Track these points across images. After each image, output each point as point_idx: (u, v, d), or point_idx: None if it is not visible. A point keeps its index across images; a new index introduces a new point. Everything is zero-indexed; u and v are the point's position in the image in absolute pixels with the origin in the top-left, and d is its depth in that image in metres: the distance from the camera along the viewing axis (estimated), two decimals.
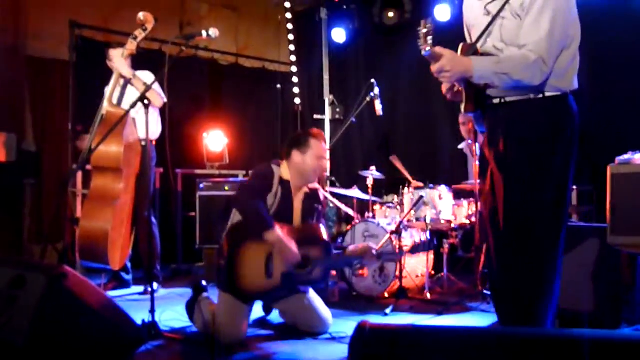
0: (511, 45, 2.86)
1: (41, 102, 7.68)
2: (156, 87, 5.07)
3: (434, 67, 2.81)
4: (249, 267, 3.84)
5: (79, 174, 6.49)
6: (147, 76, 5.56)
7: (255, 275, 3.84)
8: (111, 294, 5.58)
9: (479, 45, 2.97)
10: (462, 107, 3.04)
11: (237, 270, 3.83)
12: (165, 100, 5.40)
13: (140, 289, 5.79)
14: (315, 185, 4.26)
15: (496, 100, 2.97)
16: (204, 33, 4.07)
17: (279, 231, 3.78)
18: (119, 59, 5.31)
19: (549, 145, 2.84)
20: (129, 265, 5.85)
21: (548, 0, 2.76)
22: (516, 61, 2.77)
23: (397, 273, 5.35)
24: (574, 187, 5.91)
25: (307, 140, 4.07)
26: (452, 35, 3.23)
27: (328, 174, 7.06)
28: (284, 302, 4.18)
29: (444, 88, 3.16)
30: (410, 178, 6.13)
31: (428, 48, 2.72)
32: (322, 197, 4.31)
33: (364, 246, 4.24)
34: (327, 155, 4.15)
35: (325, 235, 4.06)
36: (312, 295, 4.23)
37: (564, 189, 2.90)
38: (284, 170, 4.10)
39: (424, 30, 2.72)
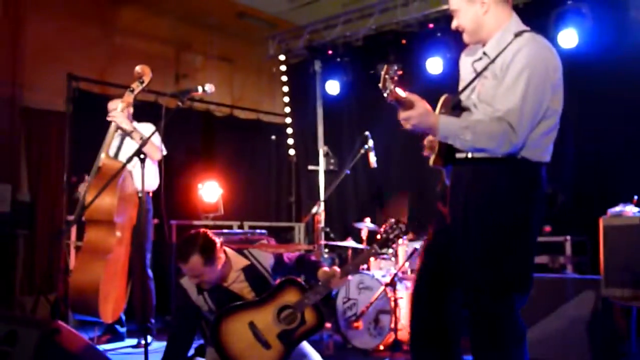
0: (485, 105, 2.84)
1: (36, 153, 7.71)
2: (156, 139, 5.04)
3: (402, 114, 2.73)
4: (242, 350, 3.58)
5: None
6: (148, 128, 5.54)
7: (255, 355, 3.57)
8: (105, 347, 5.52)
9: (463, 97, 2.98)
10: (432, 159, 3.00)
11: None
12: (165, 152, 5.41)
13: (134, 341, 5.73)
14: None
15: (462, 155, 2.90)
16: (199, 89, 4.09)
17: None
18: (118, 112, 5.34)
19: (509, 213, 2.78)
20: (123, 317, 5.80)
21: (526, 69, 2.71)
22: (483, 129, 2.72)
23: (393, 325, 5.32)
24: (568, 238, 5.92)
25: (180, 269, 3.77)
26: (443, 88, 3.22)
27: (322, 225, 7.06)
28: None
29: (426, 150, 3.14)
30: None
31: (387, 94, 2.62)
32: (264, 257, 3.96)
33: (328, 272, 3.83)
34: (191, 271, 3.64)
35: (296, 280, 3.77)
36: (306, 345, 3.98)
37: (525, 255, 2.85)
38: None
39: (387, 75, 2.62)
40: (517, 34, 2.83)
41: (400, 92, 2.70)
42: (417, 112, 2.71)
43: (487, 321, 2.80)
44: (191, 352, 3.90)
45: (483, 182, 2.84)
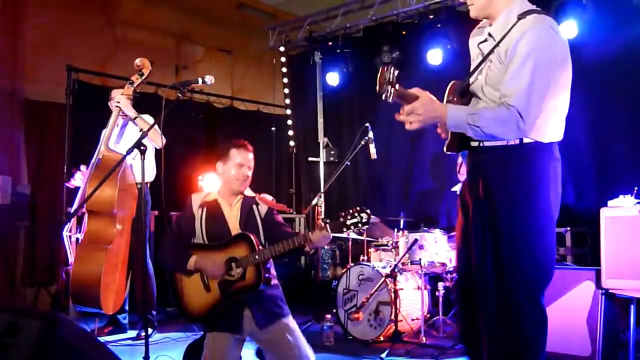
0: (492, 88, 2.83)
1: (37, 144, 7.70)
2: (156, 127, 5.08)
3: (406, 108, 2.71)
4: (189, 288, 3.84)
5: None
6: (148, 119, 5.56)
7: (197, 294, 3.82)
8: (106, 338, 5.54)
9: (471, 80, 2.96)
10: (445, 145, 2.98)
11: (182, 297, 3.85)
12: (164, 141, 5.42)
13: (135, 333, 5.74)
14: (251, 194, 4.13)
15: (475, 144, 2.90)
16: (199, 80, 4.10)
17: (193, 259, 3.79)
18: (122, 97, 5.34)
19: (527, 196, 2.77)
20: (125, 309, 5.80)
21: (531, 55, 2.69)
22: (491, 115, 2.70)
23: (393, 316, 5.33)
24: (568, 229, 5.93)
25: (227, 151, 4.00)
26: (444, 79, 3.20)
27: (323, 216, 7.05)
28: (271, 343, 3.93)
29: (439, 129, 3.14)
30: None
31: (390, 95, 2.60)
32: (263, 204, 4.12)
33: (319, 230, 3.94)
34: (251, 163, 4.01)
35: (253, 238, 3.83)
36: (298, 334, 3.94)
37: (547, 240, 2.83)
38: (212, 193, 4.10)
39: (382, 78, 2.60)
40: (521, 16, 2.80)
41: (403, 90, 2.68)
42: (421, 103, 2.70)
43: (512, 308, 2.77)
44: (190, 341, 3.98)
45: (501, 169, 2.83)
